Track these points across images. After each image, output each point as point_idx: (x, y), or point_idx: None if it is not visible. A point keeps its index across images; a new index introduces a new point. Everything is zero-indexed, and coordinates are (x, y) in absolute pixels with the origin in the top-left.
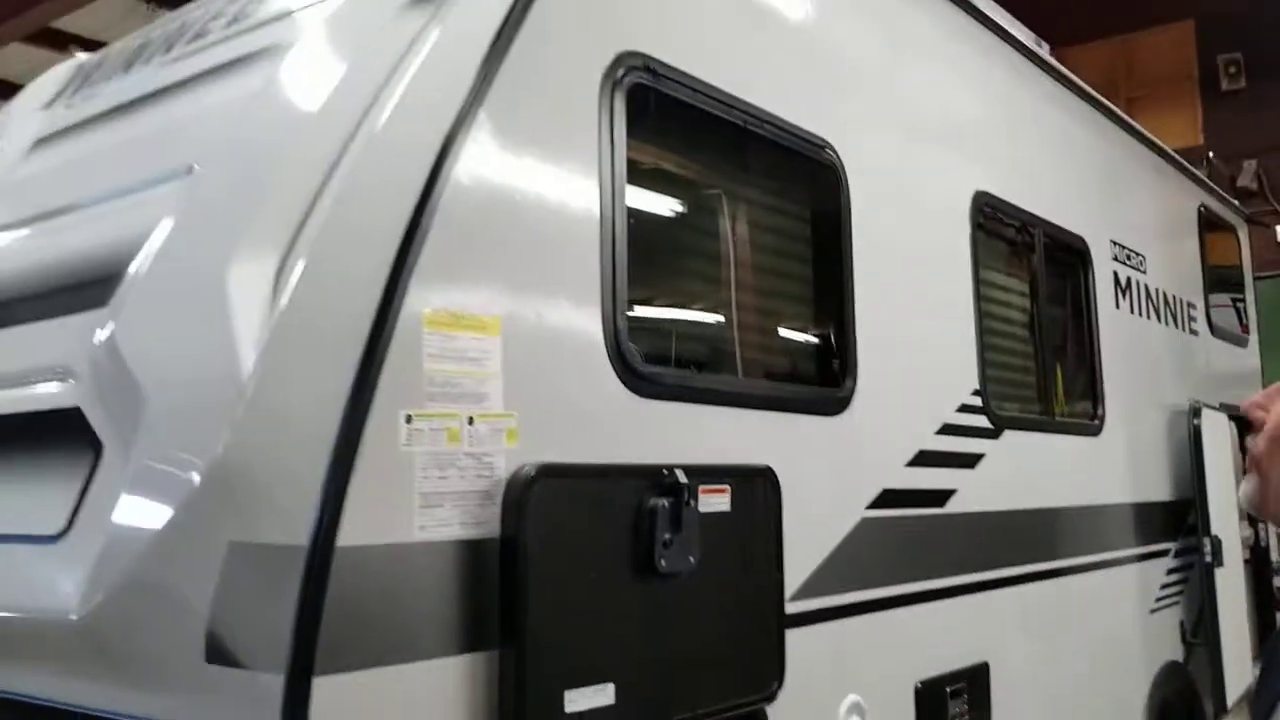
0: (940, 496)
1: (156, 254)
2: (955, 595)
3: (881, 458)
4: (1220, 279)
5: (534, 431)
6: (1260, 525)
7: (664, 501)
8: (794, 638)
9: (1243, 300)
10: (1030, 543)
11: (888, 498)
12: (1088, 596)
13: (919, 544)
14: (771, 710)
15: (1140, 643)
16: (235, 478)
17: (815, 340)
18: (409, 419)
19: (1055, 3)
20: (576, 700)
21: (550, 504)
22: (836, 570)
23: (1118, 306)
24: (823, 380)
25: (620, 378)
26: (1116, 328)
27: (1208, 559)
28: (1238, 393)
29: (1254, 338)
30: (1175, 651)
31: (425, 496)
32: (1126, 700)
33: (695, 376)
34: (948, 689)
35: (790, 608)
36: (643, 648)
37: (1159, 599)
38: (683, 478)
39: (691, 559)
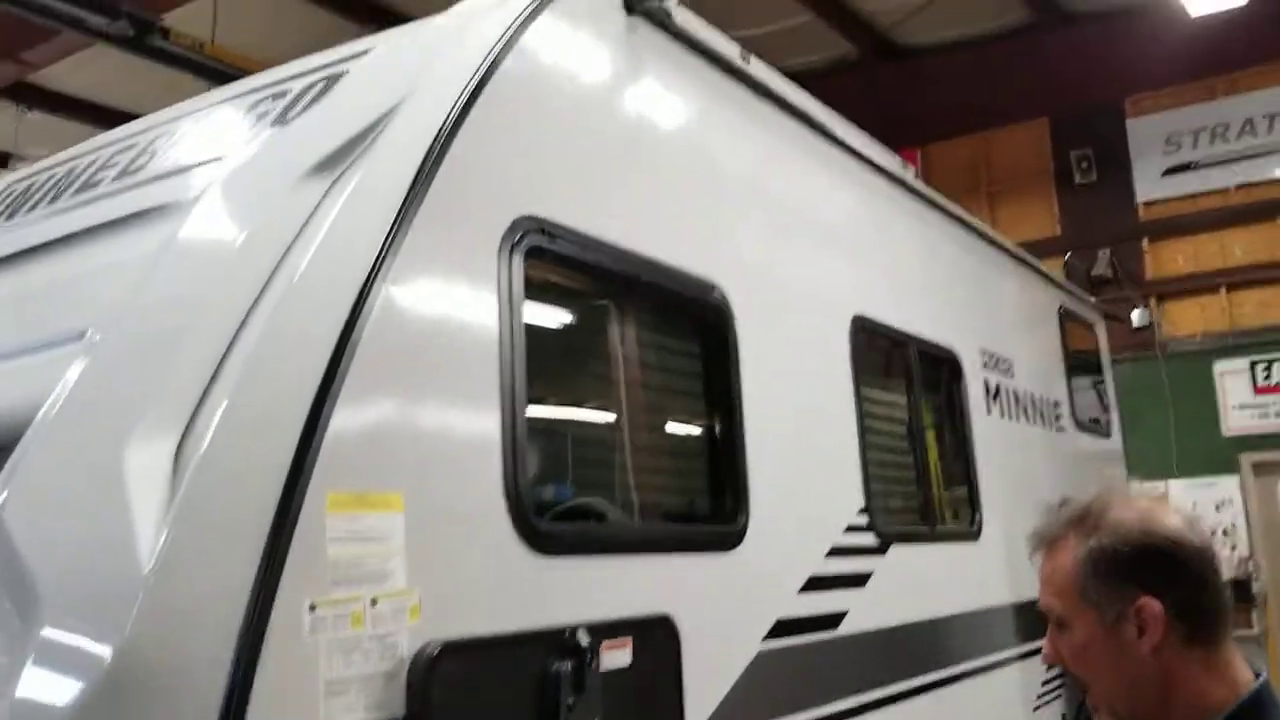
0: (832, 620)
1: (48, 428)
2: (850, 718)
3: (775, 588)
4: (1081, 363)
5: (437, 605)
6: None
7: (566, 665)
8: None
9: (1103, 383)
10: (918, 655)
11: (782, 627)
12: (974, 702)
13: (813, 670)
14: None
15: None
16: (136, 675)
17: (709, 477)
18: (313, 607)
19: (919, 105)
20: None
21: (453, 681)
22: (734, 708)
23: (989, 413)
24: (717, 517)
25: (522, 538)
26: (989, 433)
27: None
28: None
29: (1115, 423)
30: None
31: (329, 684)
32: None
33: (595, 527)
34: None
35: None
36: None
37: (1040, 695)
38: (584, 639)
39: None
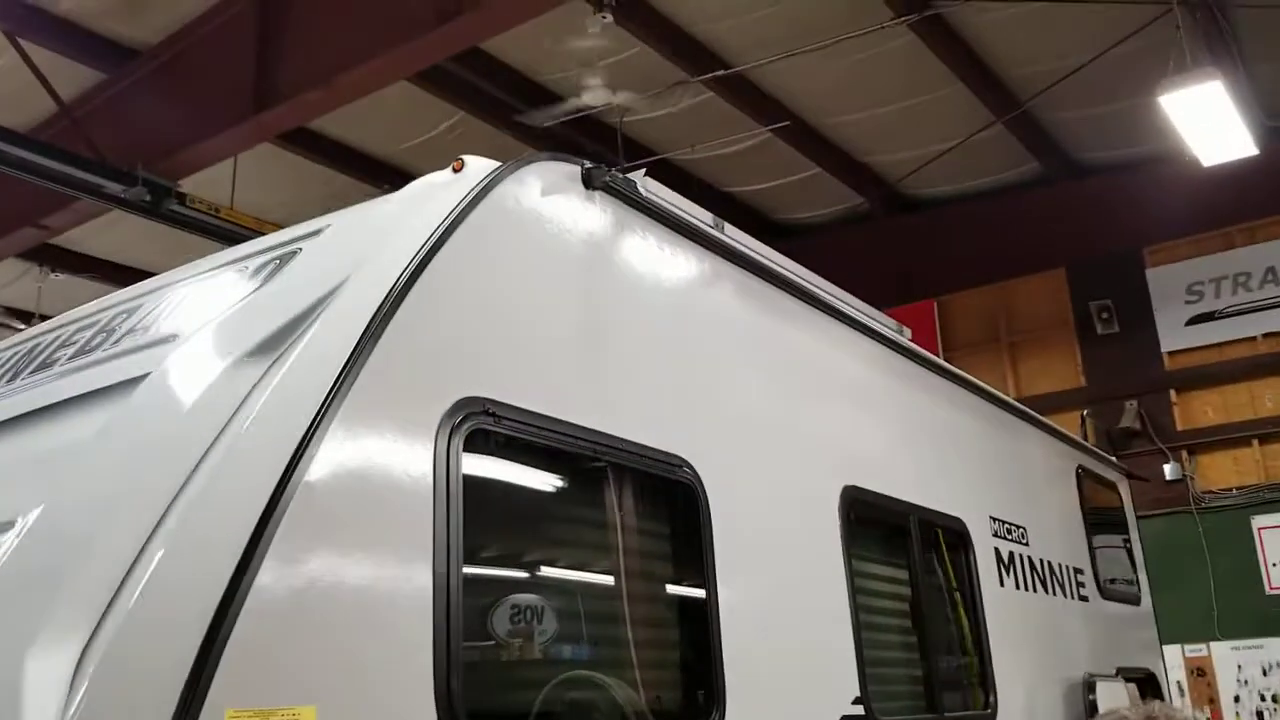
0: None
1: None
2: None
3: None
4: (1105, 526)
5: None
6: None
7: None
8: None
9: (1129, 545)
10: None
11: None
12: None
13: None
14: None
15: None
16: None
17: (678, 670)
18: None
19: (934, 255)
20: None
21: None
22: None
23: (1002, 584)
24: (687, 713)
25: None
26: (1002, 606)
27: None
28: (1136, 655)
29: (1145, 591)
30: None
31: None
32: None
33: None
34: None
35: None
36: None
37: None
38: None
39: None
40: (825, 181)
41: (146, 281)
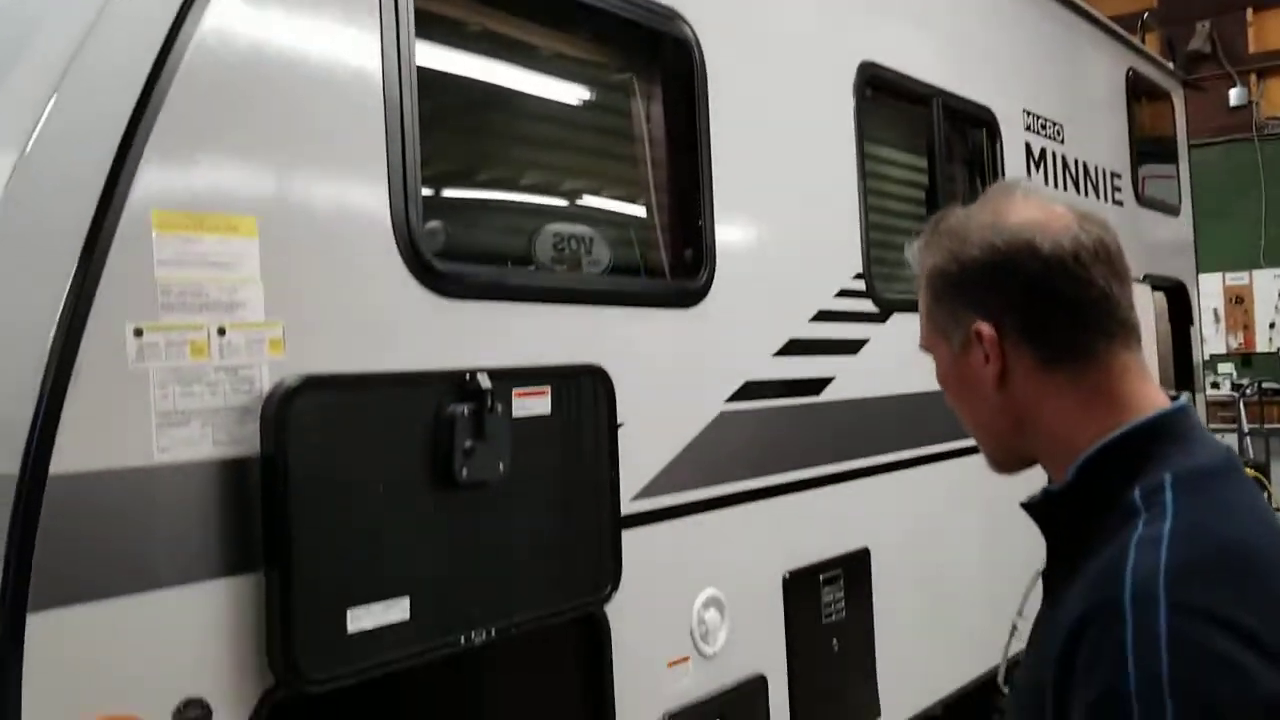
0: (815, 385)
1: None
2: (832, 483)
3: (744, 349)
4: (1152, 136)
5: (310, 341)
6: (1185, 394)
7: (464, 408)
8: (637, 536)
9: (1175, 156)
10: (915, 427)
11: (751, 390)
12: (974, 480)
13: (790, 434)
14: (612, 610)
15: (1027, 526)
16: None
17: (666, 228)
18: (139, 332)
19: None
20: (363, 618)
21: (318, 417)
22: (689, 466)
23: (1030, 177)
24: (677, 271)
25: (417, 277)
26: None
27: None
28: (1168, 263)
29: (1186, 207)
30: None
31: (165, 416)
32: (1015, 580)
33: (512, 273)
34: (821, 577)
35: (632, 506)
36: (445, 559)
37: None
38: (485, 382)
39: (501, 466)
40: None
41: None
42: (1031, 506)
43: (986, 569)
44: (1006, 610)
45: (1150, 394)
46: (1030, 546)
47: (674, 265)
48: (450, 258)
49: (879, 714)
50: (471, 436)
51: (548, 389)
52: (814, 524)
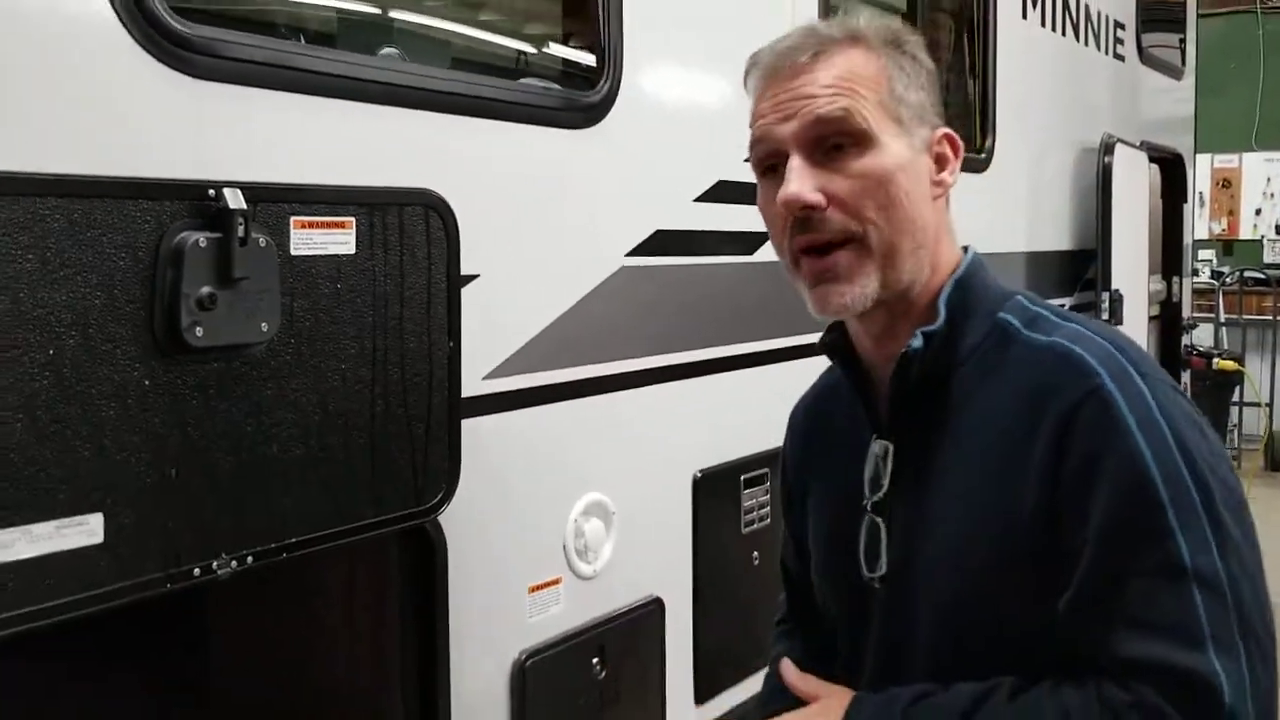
0: (748, 241)
1: None
2: (762, 363)
3: (656, 189)
4: (1171, 18)
5: None
6: (1174, 279)
7: (199, 238)
8: (490, 425)
9: (1182, 9)
10: None
11: (663, 241)
12: None
13: (712, 301)
14: (448, 523)
15: None
16: None
17: (556, 26)
18: None
19: None
20: (18, 542)
21: None
22: (570, 336)
23: (1024, 17)
24: (566, 78)
25: (144, 43)
26: (1019, 42)
27: (1104, 316)
28: (1166, 133)
29: (1190, 77)
30: None
31: None
32: None
33: (307, 51)
34: (743, 477)
35: (482, 387)
36: (167, 458)
37: None
38: (237, 200)
39: (263, 326)
40: None
41: None
42: (907, 356)
43: None
44: None
45: None
46: None
47: (566, 70)
48: (203, 19)
49: None
50: (212, 282)
51: (351, 220)
52: (737, 413)
